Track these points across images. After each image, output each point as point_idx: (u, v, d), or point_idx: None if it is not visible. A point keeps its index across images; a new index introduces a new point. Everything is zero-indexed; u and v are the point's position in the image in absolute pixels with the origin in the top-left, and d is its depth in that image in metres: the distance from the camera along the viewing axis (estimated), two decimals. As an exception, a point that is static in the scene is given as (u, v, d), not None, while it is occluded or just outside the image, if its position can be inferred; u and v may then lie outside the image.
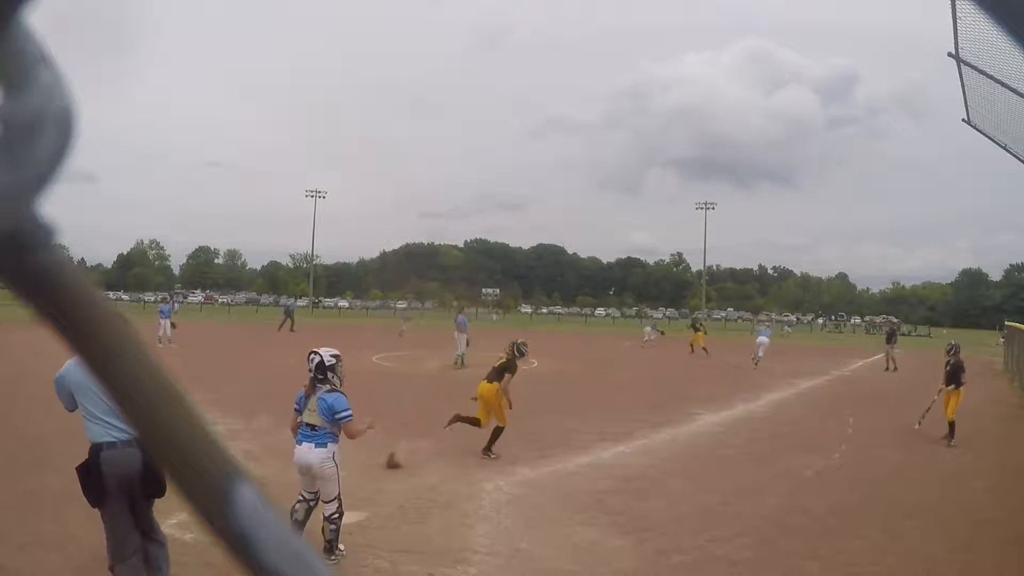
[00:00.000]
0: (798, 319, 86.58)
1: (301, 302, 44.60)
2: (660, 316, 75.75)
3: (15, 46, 0.28)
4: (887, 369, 23.27)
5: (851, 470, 8.99)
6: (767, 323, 31.35)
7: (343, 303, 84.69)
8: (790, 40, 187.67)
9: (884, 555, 5.94)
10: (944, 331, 63.52)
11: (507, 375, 8.94)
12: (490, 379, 9.07)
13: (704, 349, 26.45)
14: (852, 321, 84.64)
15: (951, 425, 10.84)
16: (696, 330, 28.03)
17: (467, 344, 19.98)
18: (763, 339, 23.74)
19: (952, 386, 11.19)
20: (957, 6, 6.12)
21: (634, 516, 6.71)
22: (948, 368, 11.43)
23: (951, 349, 11.68)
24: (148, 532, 4.59)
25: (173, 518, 5.79)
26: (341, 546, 5.60)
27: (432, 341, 26.95)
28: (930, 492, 7.91)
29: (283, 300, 49.95)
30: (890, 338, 24.77)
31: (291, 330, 31.33)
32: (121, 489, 4.38)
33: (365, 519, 6.22)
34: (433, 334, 31.27)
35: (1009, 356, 23.80)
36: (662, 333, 33.65)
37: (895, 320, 70.93)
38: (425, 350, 24.66)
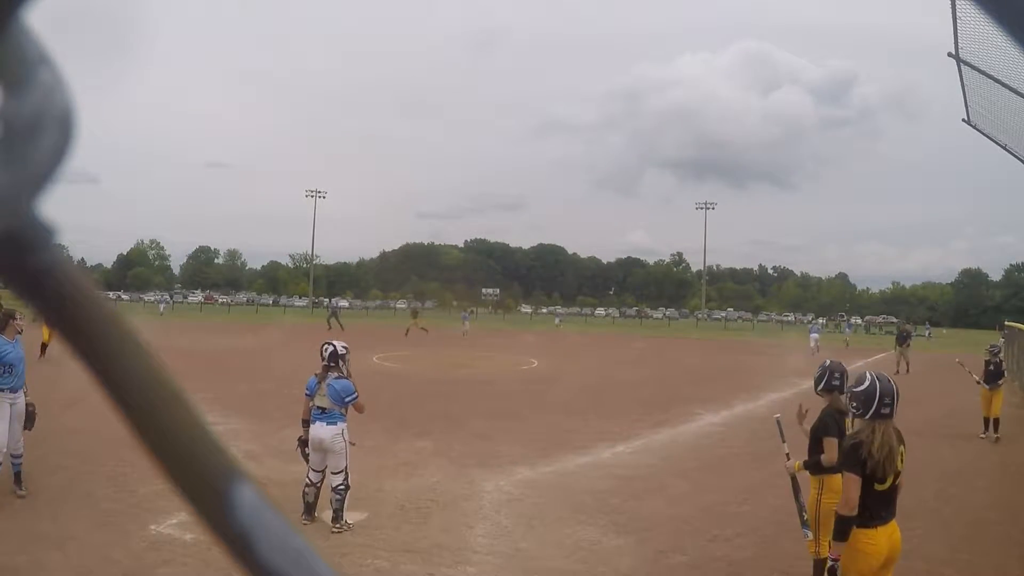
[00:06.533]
0: (796, 319, 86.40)
1: (343, 303, 47.14)
2: (660, 315, 75.47)
3: (15, 46, 0.28)
4: (897, 372, 23.31)
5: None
6: (817, 324, 38.53)
7: (343, 303, 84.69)
8: (789, 42, 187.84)
9: (884, 555, 5.93)
10: (944, 331, 63.48)
11: None
12: None
13: None
14: (852, 320, 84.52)
15: None
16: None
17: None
18: (815, 335, 29.72)
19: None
20: (957, 6, 6.11)
21: (634, 516, 6.71)
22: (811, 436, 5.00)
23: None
24: None
25: (173, 518, 5.80)
26: (349, 520, 6.01)
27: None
28: (930, 492, 7.90)
29: (332, 303, 53.04)
30: (903, 339, 24.68)
31: (341, 328, 32.54)
32: None
33: (365, 519, 6.22)
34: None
35: (1009, 356, 23.80)
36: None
37: (896, 321, 70.92)
38: (427, 350, 24.64)
